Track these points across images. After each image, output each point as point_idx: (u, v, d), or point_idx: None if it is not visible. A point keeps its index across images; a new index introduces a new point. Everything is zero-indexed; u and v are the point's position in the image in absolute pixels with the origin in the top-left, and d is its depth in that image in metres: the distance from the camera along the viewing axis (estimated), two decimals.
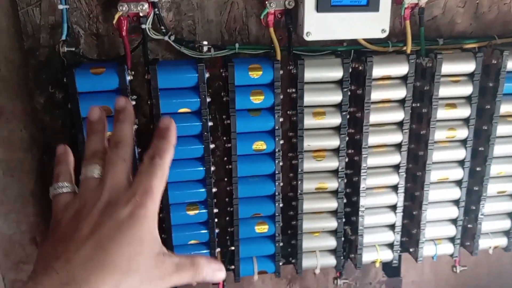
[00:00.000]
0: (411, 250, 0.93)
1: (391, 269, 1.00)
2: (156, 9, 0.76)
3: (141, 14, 0.75)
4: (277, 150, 0.81)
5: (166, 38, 0.78)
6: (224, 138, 0.83)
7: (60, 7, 0.74)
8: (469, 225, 0.92)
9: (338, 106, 0.80)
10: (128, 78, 0.75)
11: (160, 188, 0.35)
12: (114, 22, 0.75)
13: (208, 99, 0.77)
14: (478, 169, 0.88)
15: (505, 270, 1.12)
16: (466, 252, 0.95)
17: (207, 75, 0.76)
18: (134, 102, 0.77)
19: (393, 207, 0.88)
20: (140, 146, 0.78)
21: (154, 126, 0.78)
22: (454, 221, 0.91)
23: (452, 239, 0.92)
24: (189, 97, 0.77)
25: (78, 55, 0.78)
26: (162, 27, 0.78)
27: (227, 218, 0.86)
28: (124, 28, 0.75)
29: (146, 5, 0.74)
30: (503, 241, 0.94)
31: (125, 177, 0.36)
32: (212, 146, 0.79)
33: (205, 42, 0.79)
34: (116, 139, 0.38)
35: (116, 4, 0.74)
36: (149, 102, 0.76)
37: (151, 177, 0.35)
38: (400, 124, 0.83)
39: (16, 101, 0.81)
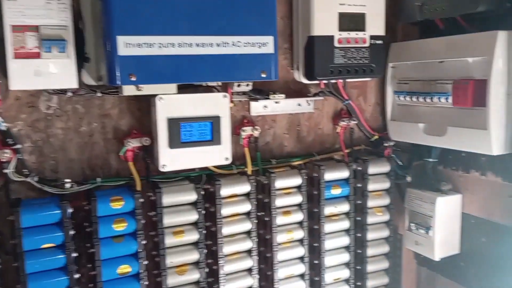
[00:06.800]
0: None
1: None
2: (19, 154, 0.83)
3: (3, 160, 0.81)
4: (141, 271, 0.88)
5: (29, 179, 0.84)
6: (89, 265, 0.88)
7: None
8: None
9: (195, 224, 0.93)
10: None
11: None
12: None
13: (72, 232, 0.83)
14: (316, 262, 1.06)
15: None
16: None
17: (70, 210, 0.83)
18: None
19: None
20: None
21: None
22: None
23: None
24: (53, 232, 0.82)
25: None
26: (25, 170, 0.84)
27: None
28: None
29: (8, 152, 0.81)
30: None
31: None
32: (77, 276, 0.84)
33: (67, 180, 0.87)
34: None
35: None
36: (11, 241, 0.80)
37: None
38: (248, 233, 0.98)
39: None
